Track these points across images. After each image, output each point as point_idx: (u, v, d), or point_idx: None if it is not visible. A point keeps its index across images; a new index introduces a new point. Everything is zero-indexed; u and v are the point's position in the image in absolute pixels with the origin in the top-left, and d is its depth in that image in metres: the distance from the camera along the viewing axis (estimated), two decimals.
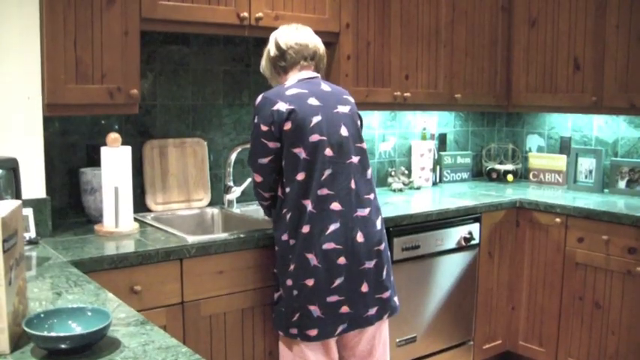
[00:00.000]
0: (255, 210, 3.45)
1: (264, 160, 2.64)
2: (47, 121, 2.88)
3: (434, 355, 3.61)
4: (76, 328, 1.58)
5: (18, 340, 1.54)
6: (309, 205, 2.57)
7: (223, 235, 2.78)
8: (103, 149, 2.77)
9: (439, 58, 3.95)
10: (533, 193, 4.09)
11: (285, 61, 2.74)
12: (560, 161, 4.42)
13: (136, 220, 2.94)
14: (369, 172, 2.74)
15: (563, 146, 4.48)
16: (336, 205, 2.59)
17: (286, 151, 2.59)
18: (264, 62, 2.84)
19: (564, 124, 4.49)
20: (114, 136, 2.78)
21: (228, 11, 3.01)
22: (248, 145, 3.32)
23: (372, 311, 2.69)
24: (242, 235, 2.78)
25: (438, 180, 4.48)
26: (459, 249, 3.63)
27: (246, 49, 3.54)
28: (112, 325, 1.61)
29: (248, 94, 3.58)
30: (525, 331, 3.95)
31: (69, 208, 3.06)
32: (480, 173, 4.84)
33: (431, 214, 3.45)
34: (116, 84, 2.74)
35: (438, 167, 4.47)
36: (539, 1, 4.13)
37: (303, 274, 2.58)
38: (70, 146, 3.05)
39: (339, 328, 2.63)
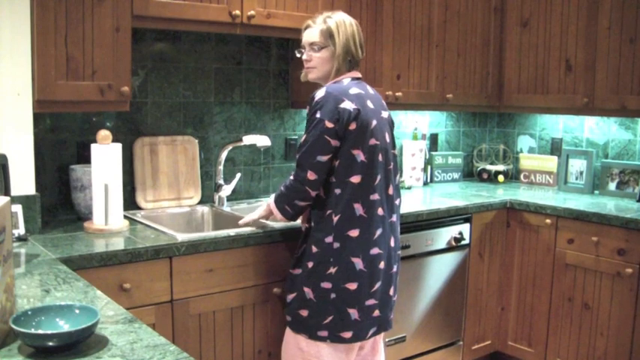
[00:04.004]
0: (245, 209, 3.45)
1: (324, 158, 2.53)
2: (38, 118, 2.87)
3: (423, 355, 3.61)
4: (64, 326, 1.57)
5: (5, 338, 1.53)
6: (359, 209, 2.56)
7: (213, 234, 2.77)
8: (93, 146, 2.76)
9: (431, 58, 3.95)
10: (523, 194, 4.10)
11: (358, 58, 2.71)
12: (551, 162, 4.43)
13: (125, 217, 2.93)
14: (398, 178, 2.78)
15: (554, 147, 4.49)
16: (380, 211, 2.63)
17: (344, 151, 2.54)
18: (342, 48, 2.64)
19: (555, 125, 4.50)
20: (104, 134, 2.77)
21: (220, 9, 3.00)
22: (239, 143, 3.35)
23: (392, 314, 2.78)
24: (232, 234, 2.78)
25: (428, 180, 4.48)
26: (449, 249, 3.64)
27: (237, 47, 3.53)
28: (100, 322, 1.60)
29: (239, 92, 3.57)
30: (515, 332, 3.96)
31: (58, 205, 3.04)
32: (471, 174, 4.85)
33: (421, 213, 3.46)
34: (107, 81, 2.73)
35: (429, 167, 4.48)
36: (531, 2, 4.14)
37: (345, 277, 2.57)
38: (61, 143, 3.04)
39: (371, 331, 2.67)
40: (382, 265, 2.64)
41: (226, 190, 3.38)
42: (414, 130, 4.42)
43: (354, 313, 2.60)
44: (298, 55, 2.79)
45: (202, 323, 2.74)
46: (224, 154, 3.39)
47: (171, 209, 3.28)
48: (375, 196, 2.60)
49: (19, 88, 2.62)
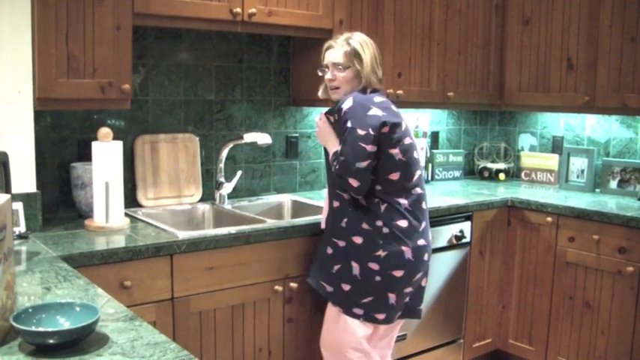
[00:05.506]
0: (246, 206, 3.45)
1: (363, 164, 2.60)
2: (39, 116, 2.87)
3: (424, 353, 3.61)
4: (64, 324, 1.57)
5: (6, 335, 1.53)
6: (404, 202, 2.71)
7: (214, 231, 2.78)
8: (94, 144, 2.76)
9: (432, 56, 3.95)
10: (524, 192, 4.10)
11: (380, 76, 2.85)
12: (552, 160, 4.43)
13: (126, 215, 2.93)
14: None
15: (556, 145, 4.48)
16: (424, 205, 2.82)
17: (383, 152, 2.66)
18: (369, 67, 2.77)
19: (557, 123, 4.50)
20: (105, 131, 2.77)
21: (221, 7, 3.00)
22: (240, 141, 3.35)
23: (422, 306, 2.91)
24: (233, 232, 2.78)
25: (430, 178, 4.48)
26: (450, 247, 3.64)
27: (238, 44, 3.53)
28: (101, 320, 1.60)
29: (240, 90, 3.57)
30: (515, 330, 3.96)
31: (59, 202, 3.04)
32: (472, 172, 4.85)
33: None
34: (108, 79, 2.73)
35: (430, 165, 4.48)
36: (532, 0, 4.14)
37: (393, 264, 2.70)
38: (61, 141, 3.04)
39: (397, 315, 2.81)
40: (426, 256, 2.80)
41: (227, 187, 3.38)
42: (415, 128, 4.41)
43: (392, 297, 2.73)
44: (320, 74, 2.90)
45: (203, 321, 2.74)
46: (225, 152, 3.39)
47: (172, 207, 3.28)
48: (418, 190, 2.78)
49: (20, 86, 2.62)
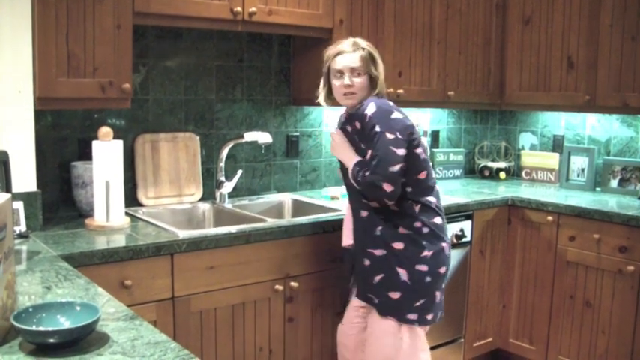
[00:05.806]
0: (246, 205, 3.45)
1: (395, 168, 2.55)
2: (39, 115, 2.87)
3: None
4: (65, 323, 1.57)
5: (6, 335, 1.53)
6: (433, 200, 2.74)
7: (214, 231, 2.78)
8: (94, 143, 2.76)
9: (433, 55, 3.94)
10: (525, 191, 4.10)
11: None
12: (552, 160, 4.43)
13: (127, 214, 2.93)
14: None
15: (556, 145, 4.48)
16: (441, 201, 2.86)
17: (410, 153, 2.65)
18: (382, 73, 2.78)
19: (557, 122, 4.49)
20: (105, 130, 2.77)
21: (222, 6, 3.00)
22: (240, 140, 3.34)
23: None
24: (233, 231, 2.78)
25: None
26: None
27: (239, 44, 3.53)
28: (101, 319, 1.61)
29: (241, 89, 3.57)
30: (516, 329, 3.96)
31: (60, 202, 3.04)
32: (472, 171, 4.84)
33: None
34: (108, 78, 2.73)
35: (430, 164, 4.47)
36: None
37: (439, 261, 2.71)
38: (62, 140, 3.04)
39: (439, 313, 2.81)
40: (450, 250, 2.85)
41: (227, 187, 3.38)
42: (416, 127, 4.41)
43: (438, 295, 2.76)
44: (335, 81, 2.74)
45: (203, 320, 2.74)
46: (225, 151, 3.40)
47: (172, 206, 3.28)
48: (437, 187, 2.81)
49: (20, 85, 2.62)
